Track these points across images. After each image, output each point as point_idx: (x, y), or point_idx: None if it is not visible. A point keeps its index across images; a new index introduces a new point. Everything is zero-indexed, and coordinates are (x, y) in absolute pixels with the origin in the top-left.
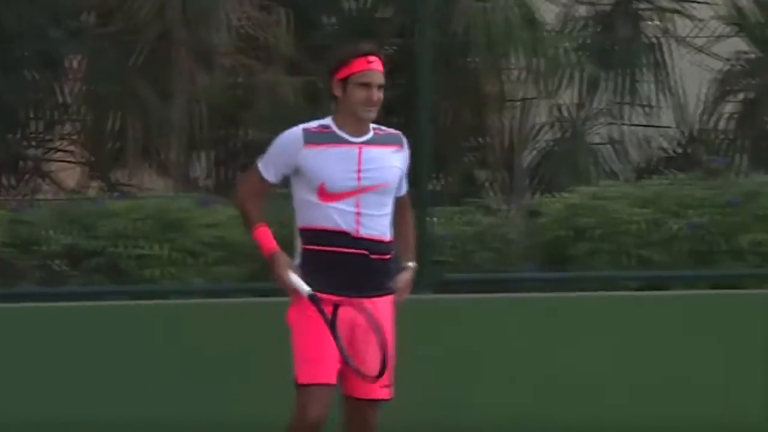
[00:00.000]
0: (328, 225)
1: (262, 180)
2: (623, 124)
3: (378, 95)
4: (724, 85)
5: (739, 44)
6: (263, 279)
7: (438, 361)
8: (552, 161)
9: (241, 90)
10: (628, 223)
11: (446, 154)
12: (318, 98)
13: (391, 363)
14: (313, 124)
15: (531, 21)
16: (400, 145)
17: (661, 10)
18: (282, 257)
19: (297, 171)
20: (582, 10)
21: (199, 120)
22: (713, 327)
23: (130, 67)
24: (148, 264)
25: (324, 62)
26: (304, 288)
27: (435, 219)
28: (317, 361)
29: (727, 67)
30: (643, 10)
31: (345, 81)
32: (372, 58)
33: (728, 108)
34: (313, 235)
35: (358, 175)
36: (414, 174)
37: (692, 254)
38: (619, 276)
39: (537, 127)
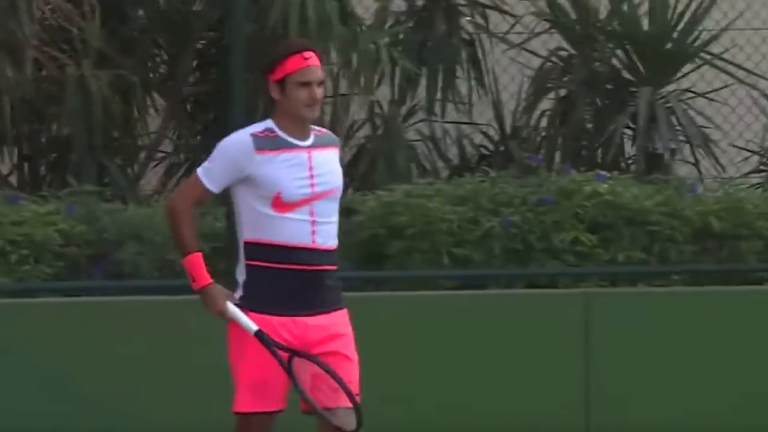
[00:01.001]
0: (281, 240)
1: (205, 191)
2: (439, 122)
3: (319, 92)
4: (540, 82)
5: (555, 41)
6: (70, 278)
7: None
8: (368, 158)
9: (49, 84)
10: (443, 221)
11: None
12: (128, 92)
13: (356, 371)
14: (257, 128)
15: (347, 15)
16: (337, 145)
17: (478, 6)
18: (217, 290)
19: (247, 180)
20: (398, 5)
21: (4, 115)
22: (530, 326)
23: None
24: None
25: (134, 56)
26: (251, 326)
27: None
28: (263, 385)
29: (543, 64)
30: (460, 5)
31: (282, 82)
32: (308, 54)
33: (544, 105)
34: (264, 250)
35: (311, 182)
36: None
37: (508, 253)
38: (434, 275)
39: (353, 123)
